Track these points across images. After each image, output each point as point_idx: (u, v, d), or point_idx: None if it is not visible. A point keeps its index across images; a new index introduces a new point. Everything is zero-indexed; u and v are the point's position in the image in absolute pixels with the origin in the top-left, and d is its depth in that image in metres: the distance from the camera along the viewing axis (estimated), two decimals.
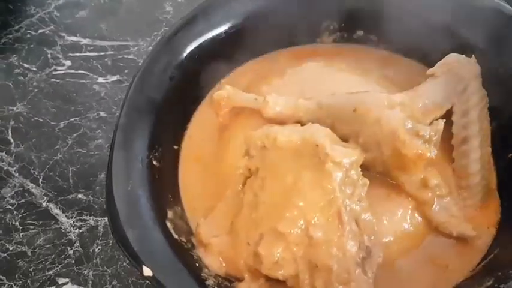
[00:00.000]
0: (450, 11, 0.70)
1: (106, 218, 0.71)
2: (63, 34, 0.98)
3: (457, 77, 0.65)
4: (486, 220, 0.63)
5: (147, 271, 0.52)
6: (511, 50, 0.66)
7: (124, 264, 0.71)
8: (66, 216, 0.76)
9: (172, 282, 0.53)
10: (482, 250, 0.61)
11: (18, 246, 0.74)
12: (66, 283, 0.71)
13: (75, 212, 0.76)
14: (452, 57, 0.66)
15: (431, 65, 0.69)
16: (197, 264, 0.58)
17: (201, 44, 0.72)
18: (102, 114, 0.87)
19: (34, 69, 0.94)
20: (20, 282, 0.71)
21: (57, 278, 0.71)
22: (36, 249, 0.73)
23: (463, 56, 0.66)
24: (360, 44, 0.79)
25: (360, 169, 0.57)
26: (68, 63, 0.94)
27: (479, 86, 0.65)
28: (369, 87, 0.68)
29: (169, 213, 0.62)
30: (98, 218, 0.76)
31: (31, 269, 0.72)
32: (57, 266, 0.72)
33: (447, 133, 0.64)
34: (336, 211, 0.54)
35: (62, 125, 0.86)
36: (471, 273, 0.58)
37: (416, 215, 0.62)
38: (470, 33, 0.69)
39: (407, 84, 0.68)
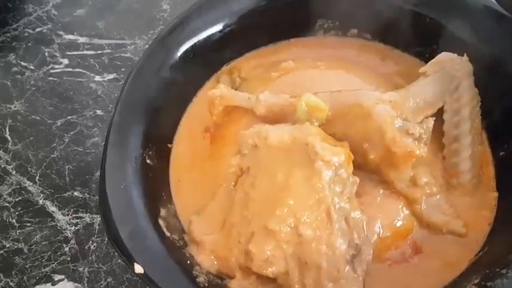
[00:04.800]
0: (442, 8, 0.70)
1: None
2: (61, 32, 0.99)
3: (449, 76, 0.65)
4: (477, 218, 0.63)
5: (138, 268, 0.53)
6: (501, 47, 0.66)
7: (119, 261, 0.72)
8: (62, 213, 0.77)
9: (164, 280, 0.54)
10: (474, 247, 0.61)
11: (15, 243, 0.75)
12: (62, 280, 0.71)
13: (71, 210, 0.77)
14: (445, 56, 0.66)
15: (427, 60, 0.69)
16: (189, 262, 0.59)
17: (195, 43, 0.73)
18: (98, 112, 0.88)
19: (32, 67, 0.94)
20: (17, 278, 0.72)
21: (53, 275, 0.72)
22: (33, 246, 0.74)
23: (455, 54, 0.66)
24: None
25: (350, 167, 0.57)
26: (66, 61, 0.95)
27: (471, 85, 0.65)
28: (361, 86, 0.68)
29: (162, 211, 0.63)
30: (93, 216, 0.77)
31: (27, 266, 0.73)
32: (53, 263, 0.73)
33: (439, 131, 0.64)
34: (325, 209, 0.54)
35: (59, 123, 0.87)
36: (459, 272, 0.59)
37: (407, 212, 0.62)
38: (462, 31, 0.69)
39: (405, 78, 0.70)
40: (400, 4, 0.74)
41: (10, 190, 0.80)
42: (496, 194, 0.64)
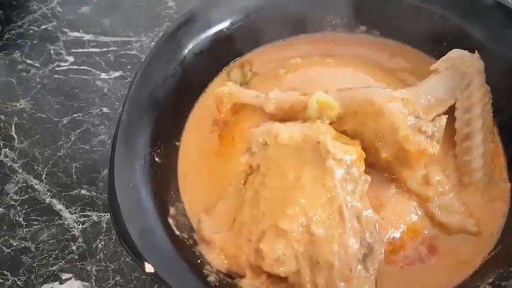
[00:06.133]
0: (452, 5, 0.70)
1: (109, 214, 0.71)
2: (66, 30, 0.99)
3: (460, 73, 0.64)
4: (491, 212, 0.62)
5: (149, 268, 0.53)
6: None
7: (127, 259, 0.72)
8: (69, 212, 0.77)
9: (174, 279, 0.53)
10: (490, 243, 0.60)
11: (22, 241, 0.74)
12: (69, 278, 0.71)
13: (79, 208, 0.77)
14: (456, 53, 0.66)
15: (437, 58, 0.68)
16: (199, 261, 0.59)
17: (202, 40, 0.73)
18: (105, 110, 0.87)
19: (37, 65, 0.94)
20: (24, 277, 0.71)
21: (60, 274, 0.72)
22: (40, 245, 0.74)
23: (466, 51, 0.66)
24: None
25: (362, 166, 0.57)
26: (71, 59, 0.94)
27: (483, 82, 0.64)
28: (370, 83, 0.68)
29: (171, 210, 0.63)
30: (101, 214, 0.76)
31: (35, 265, 0.72)
32: (61, 262, 0.72)
33: (450, 129, 0.64)
34: (337, 208, 0.54)
35: (65, 121, 0.86)
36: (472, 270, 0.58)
37: (420, 211, 0.61)
38: (473, 28, 0.69)
39: (415, 76, 0.70)
40: (409, 1, 0.74)
41: (16, 188, 0.79)
42: (509, 185, 0.64)
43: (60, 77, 0.92)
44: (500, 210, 0.62)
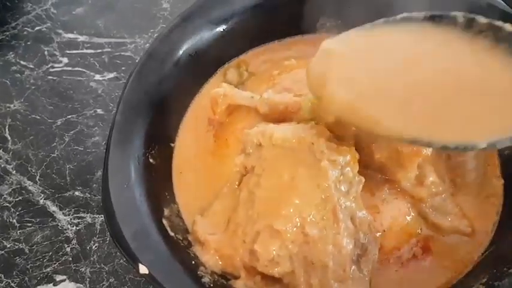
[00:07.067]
0: (445, 7, 0.70)
1: (103, 216, 0.71)
2: (60, 31, 0.98)
3: None
4: (485, 210, 0.63)
5: (143, 269, 0.53)
6: None
7: (121, 261, 0.71)
8: (63, 213, 0.76)
9: (169, 280, 0.53)
10: (484, 243, 0.61)
11: (16, 243, 0.74)
12: (63, 280, 0.71)
13: (72, 210, 0.77)
14: None
15: None
16: (193, 262, 0.59)
17: (197, 42, 0.72)
18: (99, 111, 0.87)
19: (31, 66, 0.93)
20: (18, 279, 0.71)
21: (54, 275, 0.71)
22: (34, 247, 0.74)
23: None
24: None
25: (355, 167, 0.57)
26: (65, 60, 0.94)
27: None
28: None
29: (166, 211, 0.63)
30: (95, 215, 0.76)
31: (28, 266, 0.72)
32: (55, 263, 0.72)
33: None
34: (332, 209, 0.54)
35: (59, 123, 0.86)
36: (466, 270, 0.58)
37: (413, 212, 0.62)
38: None
39: None
40: (401, 3, 0.74)
41: (10, 190, 0.79)
42: (502, 181, 0.64)
43: (54, 78, 0.92)
44: (494, 207, 0.62)
